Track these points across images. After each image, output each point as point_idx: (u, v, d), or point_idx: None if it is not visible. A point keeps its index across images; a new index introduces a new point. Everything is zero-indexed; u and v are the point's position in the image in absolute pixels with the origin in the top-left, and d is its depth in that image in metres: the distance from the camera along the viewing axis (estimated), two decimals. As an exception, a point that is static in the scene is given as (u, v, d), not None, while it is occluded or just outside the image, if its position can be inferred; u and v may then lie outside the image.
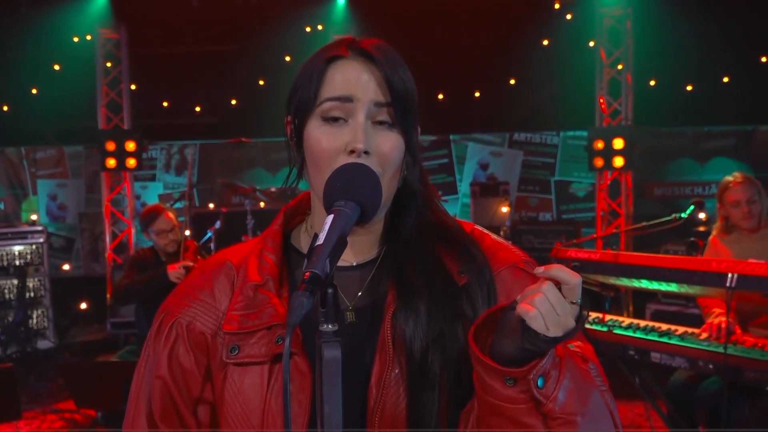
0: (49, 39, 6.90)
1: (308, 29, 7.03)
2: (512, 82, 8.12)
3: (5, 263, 6.06)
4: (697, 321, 3.01)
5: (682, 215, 3.37)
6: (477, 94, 8.39)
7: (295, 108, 0.97)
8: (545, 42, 7.37)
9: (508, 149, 8.82)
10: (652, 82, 7.63)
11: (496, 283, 0.98)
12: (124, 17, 6.93)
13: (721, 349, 2.55)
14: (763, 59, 7.41)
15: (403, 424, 0.90)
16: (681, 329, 2.88)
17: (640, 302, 5.96)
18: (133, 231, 7.19)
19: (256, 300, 0.96)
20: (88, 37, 7.02)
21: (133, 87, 7.27)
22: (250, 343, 0.94)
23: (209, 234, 4.62)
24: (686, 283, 2.62)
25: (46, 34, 6.80)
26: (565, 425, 0.80)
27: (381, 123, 0.94)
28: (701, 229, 5.58)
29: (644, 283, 2.78)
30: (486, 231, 1.06)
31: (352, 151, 0.91)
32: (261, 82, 7.98)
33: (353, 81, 0.93)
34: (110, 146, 6.76)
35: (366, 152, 0.91)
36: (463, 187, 8.69)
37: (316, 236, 0.80)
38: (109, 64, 7.07)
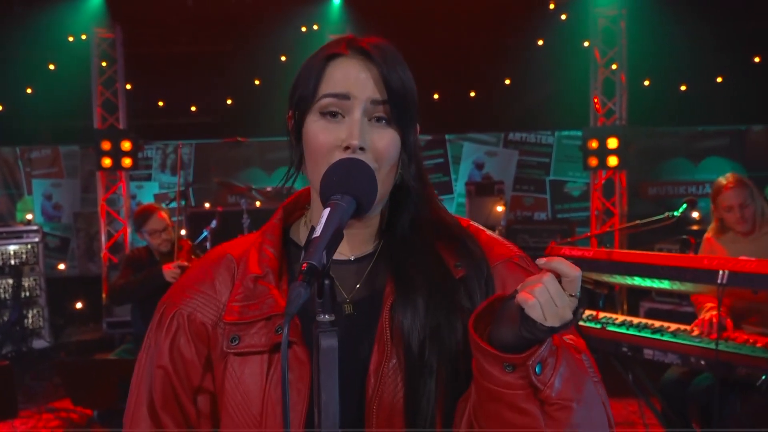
0: (44, 38, 6.86)
1: (304, 29, 7.04)
2: (507, 82, 8.15)
3: (0, 263, 6.06)
4: (690, 319, 3.02)
5: (675, 214, 3.39)
6: (472, 94, 8.42)
7: (295, 103, 0.99)
8: (540, 42, 7.39)
9: (503, 149, 8.85)
10: (647, 82, 7.67)
11: (493, 278, 1.00)
12: (119, 17, 6.92)
13: (712, 346, 2.57)
14: (757, 60, 7.44)
15: (401, 413, 0.92)
16: (673, 326, 2.90)
17: (634, 301, 5.98)
18: (128, 231, 7.19)
19: (256, 291, 0.98)
20: (83, 37, 7.01)
21: (128, 86, 7.27)
22: (250, 333, 0.96)
23: (205, 233, 4.63)
24: (678, 280, 2.64)
25: (41, 34, 6.77)
26: (561, 410, 0.83)
27: (378, 120, 0.95)
28: (694, 227, 5.62)
29: (637, 281, 2.80)
30: (481, 227, 1.08)
31: (348, 147, 0.93)
32: (257, 82, 7.97)
33: (351, 79, 0.95)
34: (106, 146, 6.75)
35: (361, 148, 0.93)
36: (459, 186, 8.71)
37: (313, 229, 0.82)
38: (104, 64, 7.07)
